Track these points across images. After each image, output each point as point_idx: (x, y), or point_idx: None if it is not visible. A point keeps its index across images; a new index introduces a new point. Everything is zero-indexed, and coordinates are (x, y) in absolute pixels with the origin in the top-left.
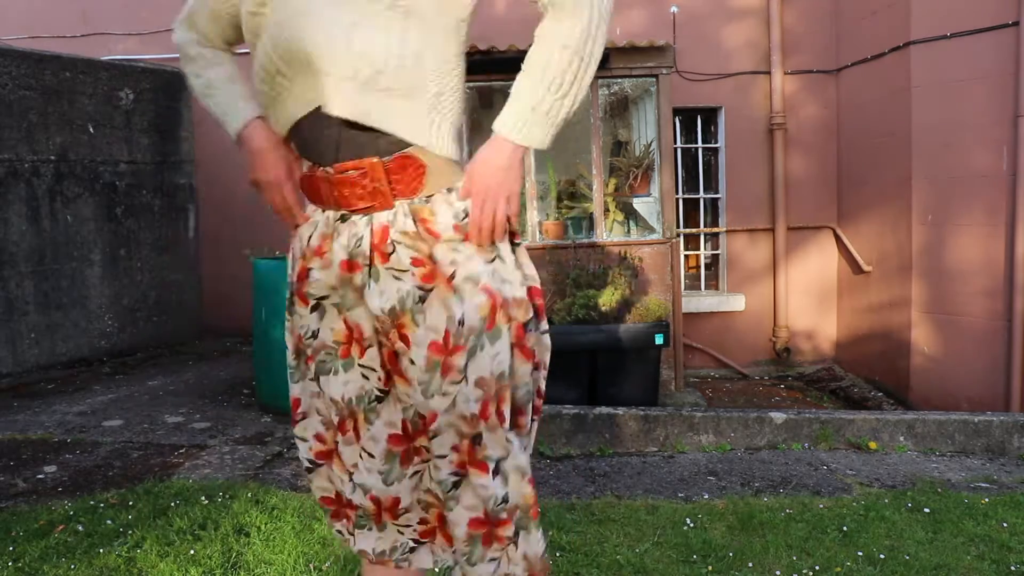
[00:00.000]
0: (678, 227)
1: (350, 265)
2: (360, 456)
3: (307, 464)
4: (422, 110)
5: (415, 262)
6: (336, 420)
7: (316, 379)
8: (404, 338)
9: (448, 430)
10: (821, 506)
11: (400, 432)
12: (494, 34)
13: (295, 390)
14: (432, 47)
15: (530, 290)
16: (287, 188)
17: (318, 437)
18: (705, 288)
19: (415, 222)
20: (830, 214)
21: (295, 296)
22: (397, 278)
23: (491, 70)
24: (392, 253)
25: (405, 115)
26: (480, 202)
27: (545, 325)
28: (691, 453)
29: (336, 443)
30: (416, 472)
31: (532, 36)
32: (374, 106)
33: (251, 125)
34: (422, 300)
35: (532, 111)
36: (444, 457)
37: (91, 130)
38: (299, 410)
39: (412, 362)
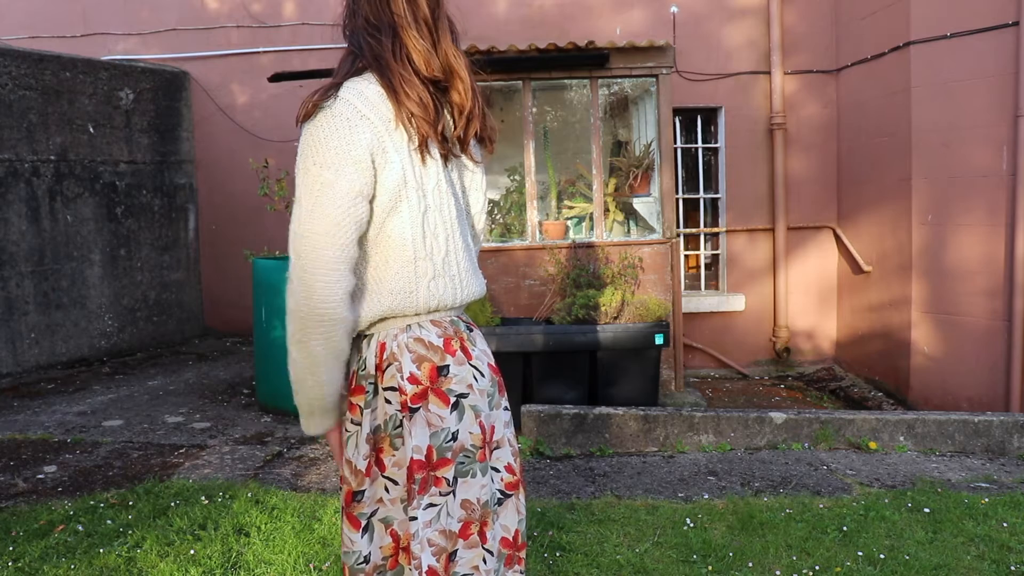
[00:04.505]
0: (678, 227)
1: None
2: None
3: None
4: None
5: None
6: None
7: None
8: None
9: None
10: (821, 506)
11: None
12: (494, 34)
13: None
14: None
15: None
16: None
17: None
18: (705, 288)
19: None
20: (830, 214)
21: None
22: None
23: (491, 70)
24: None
25: None
26: None
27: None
28: (691, 453)
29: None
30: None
31: (532, 36)
32: None
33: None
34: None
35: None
36: None
37: (91, 130)
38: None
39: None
